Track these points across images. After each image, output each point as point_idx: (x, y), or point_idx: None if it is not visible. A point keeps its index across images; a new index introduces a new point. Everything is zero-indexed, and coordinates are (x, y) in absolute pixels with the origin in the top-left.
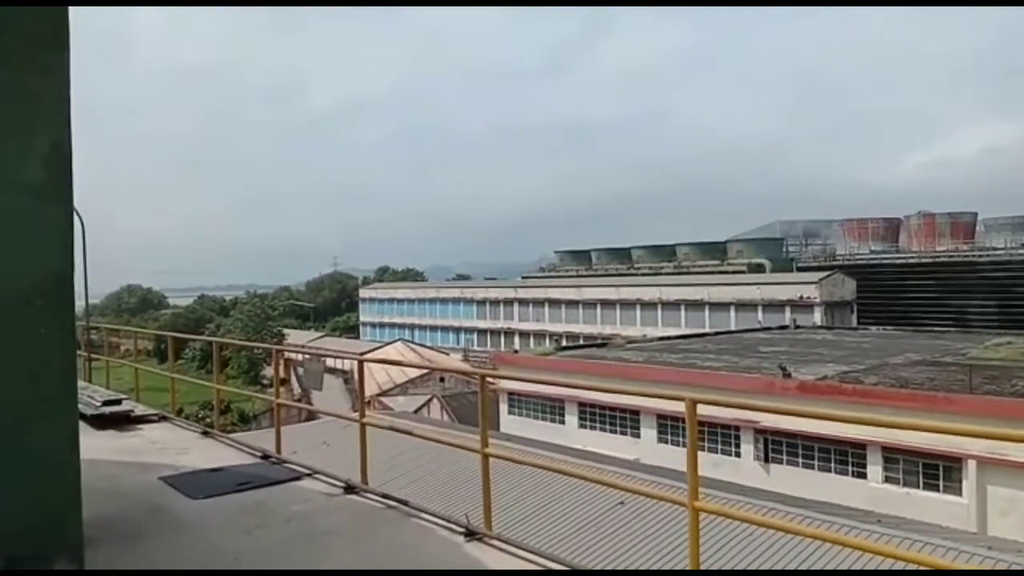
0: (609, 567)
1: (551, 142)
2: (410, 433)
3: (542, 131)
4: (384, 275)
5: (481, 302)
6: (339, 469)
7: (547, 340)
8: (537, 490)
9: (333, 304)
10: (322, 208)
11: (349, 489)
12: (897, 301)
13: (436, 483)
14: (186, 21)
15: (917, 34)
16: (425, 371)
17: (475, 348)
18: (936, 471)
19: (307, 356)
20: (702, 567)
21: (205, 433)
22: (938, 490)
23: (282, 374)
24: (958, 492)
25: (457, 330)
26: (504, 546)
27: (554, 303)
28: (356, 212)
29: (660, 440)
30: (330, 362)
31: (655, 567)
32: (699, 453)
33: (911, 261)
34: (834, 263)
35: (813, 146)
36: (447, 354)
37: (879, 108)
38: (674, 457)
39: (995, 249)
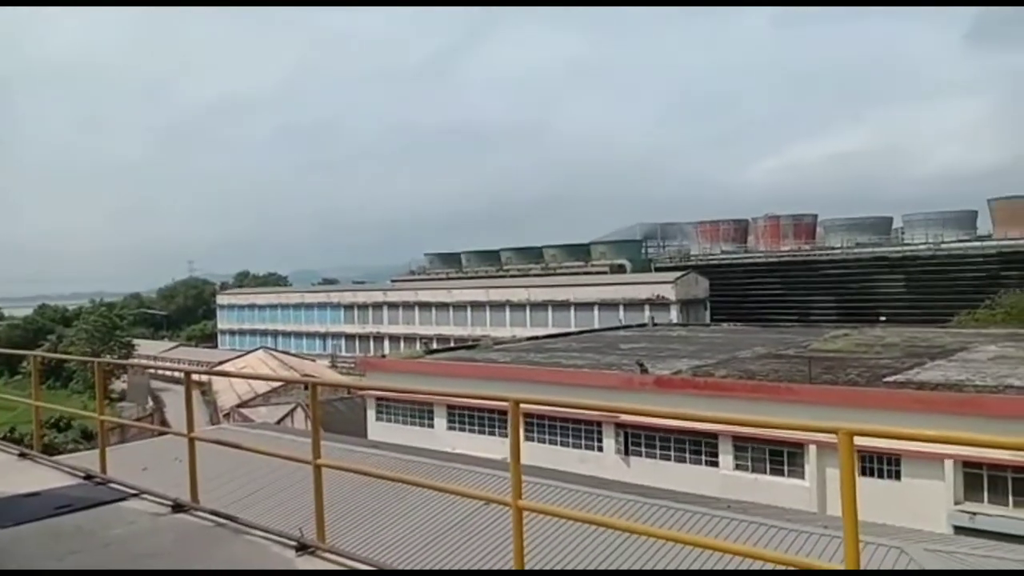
0: (435, 567)
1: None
2: (238, 446)
3: (426, 135)
4: (244, 280)
5: (349, 307)
6: (183, 486)
7: (417, 343)
8: (381, 497)
9: (189, 311)
10: (183, 211)
11: (177, 508)
12: (746, 298)
13: (275, 497)
14: (45, 15)
15: (784, 47)
16: (281, 382)
17: (343, 354)
18: (781, 457)
19: (139, 369)
20: (527, 567)
21: (23, 455)
22: (783, 474)
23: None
24: (801, 476)
25: (324, 336)
26: (336, 558)
27: (424, 306)
28: (220, 215)
29: (527, 439)
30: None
31: (477, 566)
32: (565, 449)
33: (758, 261)
34: (689, 263)
35: (680, 152)
36: (313, 360)
37: (739, 117)
38: (542, 455)
39: (833, 249)
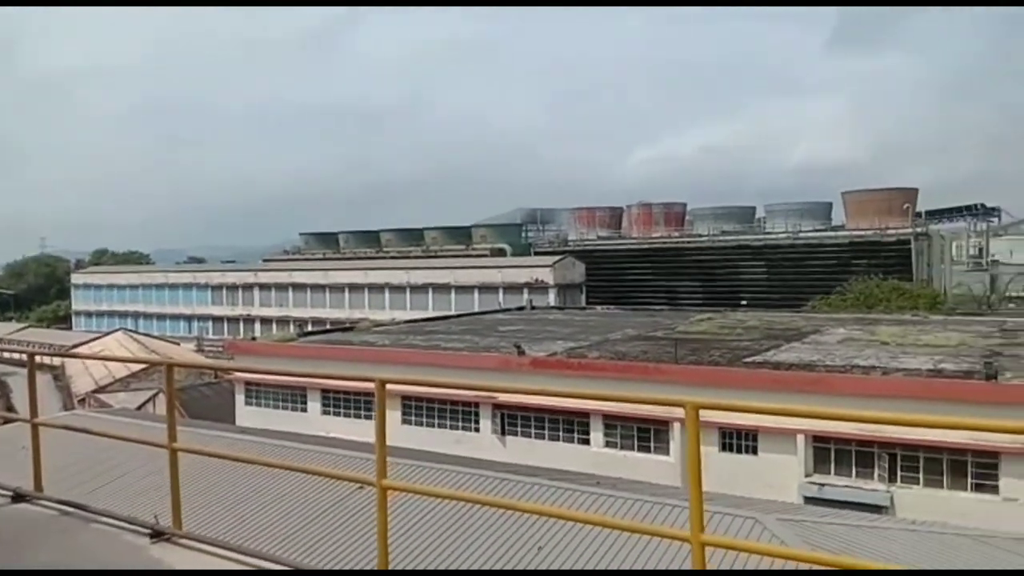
0: (298, 552)
1: (310, 124)
2: (87, 431)
3: (303, 112)
4: (102, 258)
5: (217, 287)
6: (28, 476)
7: (291, 326)
8: (250, 483)
9: (40, 291)
10: (34, 183)
11: (18, 498)
12: (620, 282)
13: (133, 485)
14: None
15: (662, 45)
16: (145, 364)
17: (210, 337)
18: (648, 434)
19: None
20: (390, 546)
21: None
22: (650, 451)
23: None
24: (666, 452)
25: (190, 318)
26: (194, 543)
27: (299, 287)
28: (75, 189)
29: (404, 422)
30: (38, 357)
31: (347, 549)
32: (443, 430)
33: (631, 246)
34: (566, 248)
35: (560, 139)
36: (177, 344)
37: (617, 108)
38: (421, 437)
39: (700, 236)
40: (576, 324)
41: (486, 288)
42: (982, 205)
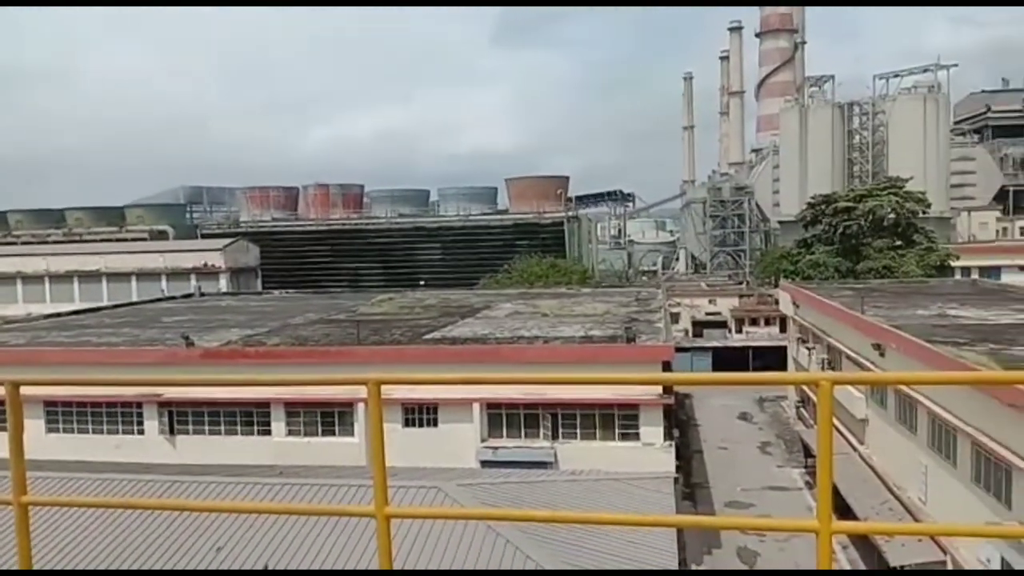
0: None
1: None
2: None
3: None
4: None
5: None
6: None
7: None
8: None
9: None
10: None
11: None
12: (298, 265)
13: None
14: None
15: (335, 23)
16: None
17: None
18: (332, 418)
19: None
20: (35, 565)
21: None
22: (335, 434)
23: None
24: (351, 434)
25: None
26: None
27: None
28: None
29: (50, 431)
30: None
31: None
32: (99, 436)
33: (309, 228)
34: (239, 230)
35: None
36: None
37: (292, 86)
38: (73, 446)
39: (379, 218)
40: (252, 310)
41: (146, 275)
42: (620, 192)
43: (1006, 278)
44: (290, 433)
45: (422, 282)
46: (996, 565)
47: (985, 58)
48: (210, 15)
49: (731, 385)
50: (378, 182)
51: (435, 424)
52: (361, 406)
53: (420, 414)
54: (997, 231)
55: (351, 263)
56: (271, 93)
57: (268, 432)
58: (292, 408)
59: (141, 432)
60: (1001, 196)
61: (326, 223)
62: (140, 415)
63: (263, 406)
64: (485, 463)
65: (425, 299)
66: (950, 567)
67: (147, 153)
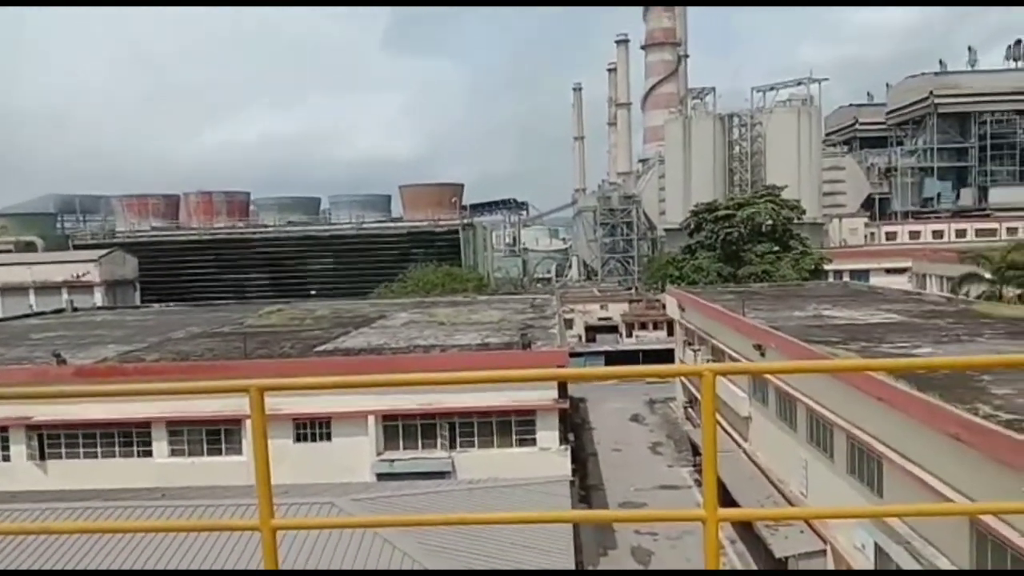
0: None
1: None
2: None
3: None
4: None
5: None
6: None
7: None
8: None
9: None
10: None
11: None
12: (180, 277)
13: None
14: None
15: (217, 26)
16: None
17: None
18: (219, 436)
19: None
20: None
21: None
22: (222, 453)
23: None
24: (239, 452)
25: None
26: None
27: None
28: None
29: None
30: None
31: None
32: None
33: (192, 238)
34: (115, 241)
35: (102, 119)
36: None
37: (174, 88)
38: None
39: (266, 227)
40: (130, 325)
41: (11, 290)
42: (515, 200)
43: (874, 280)
44: (173, 453)
45: (313, 292)
46: (870, 549)
47: (846, 72)
48: (84, 14)
49: (622, 378)
50: (266, 190)
51: (328, 438)
52: (248, 423)
53: (312, 428)
54: (865, 236)
55: (237, 274)
56: (150, 95)
57: (149, 453)
58: (175, 427)
59: (6, 459)
60: (868, 203)
61: (210, 232)
62: (6, 439)
63: (143, 426)
64: (381, 476)
65: (316, 310)
66: (830, 554)
67: (10, 158)
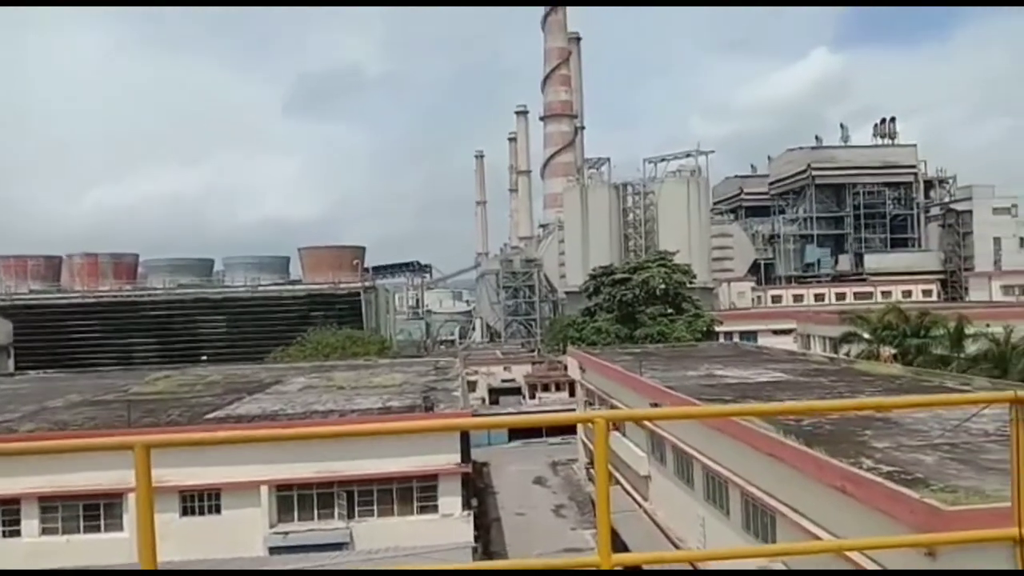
0: None
1: None
2: None
3: None
4: None
5: None
6: None
7: None
8: None
9: None
10: None
11: None
12: (60, 342)
13: None
14: None
15: (115, 79)
16: None
17: None
18: (97, 511)
19: None
20: None
21: None
22: (100, 530)
23: None
24: (120, 528)
25: None
26: None
27: None
28: None
29: None
30: None
31: None
32: None
33: (74, 301)
34: None
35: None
36: None
37: (59, 144)
38: None
39: (155, 289)
40: (2, 393)
41: None
42: (418, 262)
43: (762, 340)
44: (45, 532)
45: (204, 357)
46: None
47: (730, 145)
48: None
49: (522, 426)
50: (158, 251)
51: (218, 511)
52: (131, 496)
53: (200, 501)
54: (753, 299)
55: (123, 338)
56: (32, 151)
57: (18, 533)
58: (48, 503)
59: None
60: (754, 268)
61: (94, 295)
62: None
63: (11, 503)
64: (274, 550)
65: (208, 375)
66: None
67: None
